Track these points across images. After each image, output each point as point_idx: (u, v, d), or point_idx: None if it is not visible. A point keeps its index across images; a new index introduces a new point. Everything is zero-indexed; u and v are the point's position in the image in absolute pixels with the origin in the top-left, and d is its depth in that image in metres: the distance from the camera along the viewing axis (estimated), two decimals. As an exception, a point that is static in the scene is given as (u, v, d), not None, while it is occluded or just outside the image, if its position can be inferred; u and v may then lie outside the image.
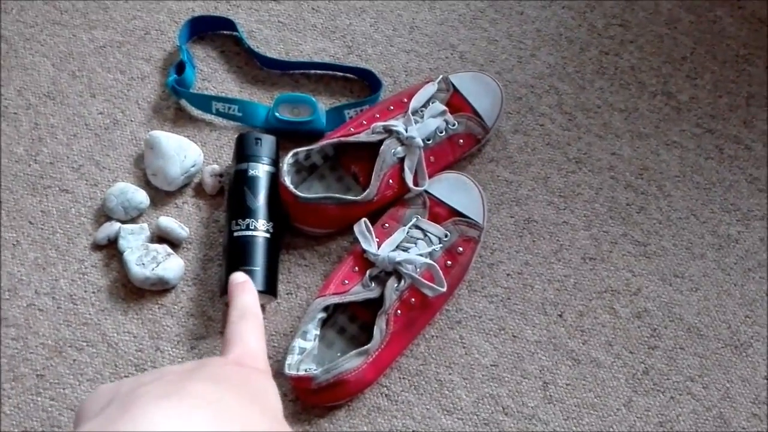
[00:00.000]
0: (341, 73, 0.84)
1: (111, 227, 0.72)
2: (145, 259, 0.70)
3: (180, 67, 0.80)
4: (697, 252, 0.78)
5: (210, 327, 0.71)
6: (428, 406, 0.69)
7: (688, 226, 0.79)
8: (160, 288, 0.71)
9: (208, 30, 0.85)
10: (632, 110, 0.84)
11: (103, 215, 0.74)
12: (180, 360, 0.69)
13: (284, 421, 0.34)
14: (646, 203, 0.80)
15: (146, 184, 0.76)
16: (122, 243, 0.71)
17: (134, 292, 0.71)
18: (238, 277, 0.45)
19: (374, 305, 0.68)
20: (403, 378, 0.70)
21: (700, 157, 0.82)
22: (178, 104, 0.80)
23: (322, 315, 0.68)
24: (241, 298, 0.42)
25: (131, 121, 0.79)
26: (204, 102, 0.79)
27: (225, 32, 0.85)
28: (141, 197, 0.74)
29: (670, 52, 0.88)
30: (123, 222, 0.73)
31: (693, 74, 0.87)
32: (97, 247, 0.73)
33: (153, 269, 0.69)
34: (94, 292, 0.71)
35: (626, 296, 0.75)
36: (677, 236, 0.78)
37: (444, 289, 0.68)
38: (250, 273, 0.67)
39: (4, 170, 0.76)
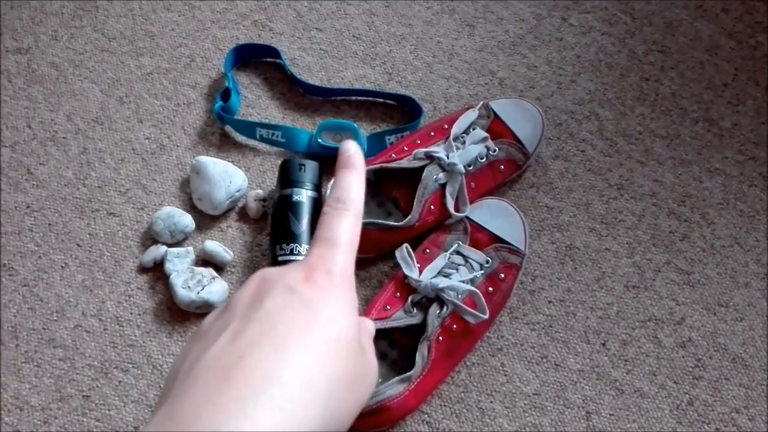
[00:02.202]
0: (382, 100, 0.85)
1: (157, 250, 0.74)
2: (191, 282, 0.71)
3: (225, 94, 0.81)
4: (741, 281, 0.77)
5: (253, 350, 0.71)
6: (470, 434, 0.69)
7: (732, 254, 0.78)
8: (205, 311, 0.72)
9: (252, 57, 0.86)
10: (674, 137, 0.84)
11: (150, 238, 0.76)
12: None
13: (357, 345, 0.31)
14: (690, 231, 0.79)
15: (191, 208, 0.77)
16: (168, 266, 0.73)
17: (179, 314, 0.72)
18: (349, 147, 0.38)
19: (415, 331, 0.68)
20: (444, 405, 0.70)
21: (744, 184, 0.81)
22: (223, 130, 0.82)
23: (364, 340, 0.68)
24: (343, 177, 0.36)
25: (177, 146, 0.81)
26: (248, 128, 0.80)
27: (268, 59, 0.87)
28: (187, 221, 0.75)
29: (712, 78, 0.87)
30: (169, 245, 0.75)
31: (735, 100, 0.86)
32: (143, 269, 0.74)
33: (198, 292, 0.70)
34: (139, 314, 0.72)
35: (670, 325, 0.74)
36: (721, 264, 0.77)
37: (486, 316, 0.68)
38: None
39: (53, 194, 0.78)
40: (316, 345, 0.29)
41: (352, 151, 0.37)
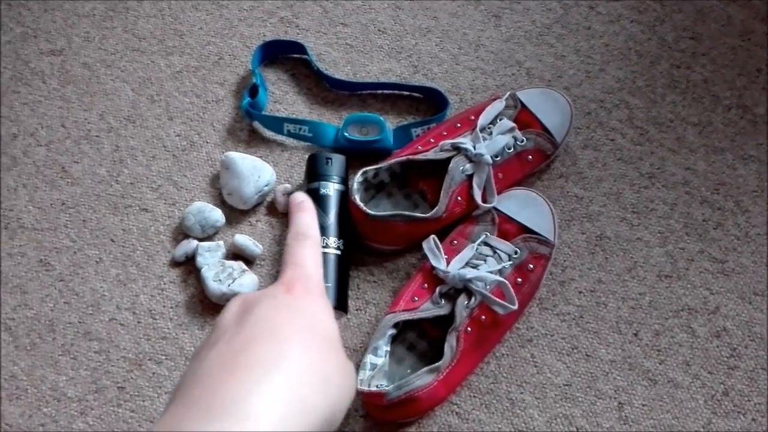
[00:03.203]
0: (408, 93, 0.85)
1: (189, 245, 0.75)
2: (222, 275, 0.72)
3: (253, 91, 0.82)
4: (778, 269, 0.75)
5: (283, 342, 0.72)
6: (500, 425, 0.68)
7: (767, 242, 0.76)
8: (235, 304, 0.73)
9: (279, 54, 0.87)
10: (706, 124, 0.82)
11: (181, 233, 0.77)
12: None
13: (339, 343, 0.34)
14: (723, 219, 0.77)
15: (221, 203, 0.78)
16: (199, 260, 0.74)
17: (210, 307, 0.73)
18: (298, 197, 0.44)
19: (443, 322, 0.68)
20: (474, 396, 0.70)
21: (780, 171, 0.80)
22: (252, 126, 0.83)
23: (392, 331, 0.68)
24: (298, 217, 0.41)
25: (207, 142, 0.82)
26: (276, 123, 0.81)
27: (295, 55, 0.87)
28: (217, 216, 0.76)
29: (744, 64, 0.86)
30: (200, 240, 0.76)
31: (770, 86, 0.84)
32: (175, 263, 0.76)
33: (229, 285, 0.71)
34: (172, 308, 0.74)
35: (704, 315, 0.73)
36: (756, 253, 0.76)
37: (515, 307, 0.67)
38: (322, 289, 0.69)
39: (87, 191, 0.80)
40: (309, 340, 0.32)
41: (302, 199, 0.43)
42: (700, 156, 0.81)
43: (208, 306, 0.73)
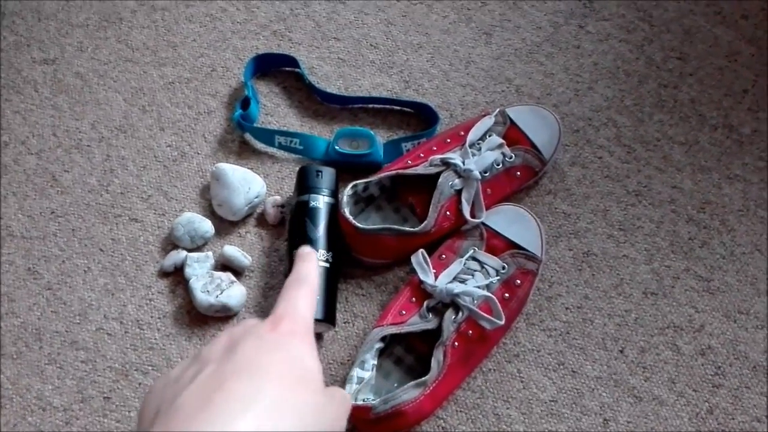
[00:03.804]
0: (399, 107, 0.86)
1: (178, 255, 0.75)
2: (210, 286, 0.72)
3: (245, 103, 0.83)
4: (762, 288, 0.76)
5: (270, 354, 0.72)
6: (485, 440, 0.68)
7: (753, 261, 0.77)
8: (223, 314, 0.73)
9: (271, 67, 0.88)
10: (693, 143, 0.83)
11: (170, 244, 0.77)
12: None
13: (322, 384, 0.35)
14: (709, 237, 0.78)
15: (211, 214, 0.79)
16: (188, 270, 0.74)
17: (198, 318, 0.73)
18: (304, 248, 0.45)
19: (431, 336, 0.68)
20: (460, 411, 0.70)
21: (764, 190, 0.81)
22: (243, 138, 0.83)
23: (379, 345, 0.69)
24: (301, 266, 0.42)
25: (198, 153, 0.83)
26: (267, 136, 0.81)
27: (287, 69, 0.88)
28: (207, 227, 0.76)
29: (731, 84, 0.87)
30: (189, 250, 0.76)
31: (755, 107, 0.86)
32: (163, 274, 0.76)
33: (217, 296, 0.71)
34: (160, 318, 0.74)
35: (689, 333, 0.73)
36: (741, 272, 0.76)
37: (502, 322, 0.68)
38: (310, 302, 0.69)
39: (77, 200, 0.80)
40: (287, 378, 0.33)
41: (308, 251, 0.45)
42: (687, 175, 0.82)
43: (195, 317, 0.73)
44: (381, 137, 0.83)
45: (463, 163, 0.74)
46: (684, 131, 0.84)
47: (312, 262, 0.43)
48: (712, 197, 0.80)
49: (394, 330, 0.68)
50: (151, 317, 0.74)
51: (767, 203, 0.80)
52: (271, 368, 0.33)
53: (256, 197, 0.78)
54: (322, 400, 0.34)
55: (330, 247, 0.72)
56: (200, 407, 0.30)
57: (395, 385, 0.69)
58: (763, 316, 0.74)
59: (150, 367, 0.71)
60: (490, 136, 0.77)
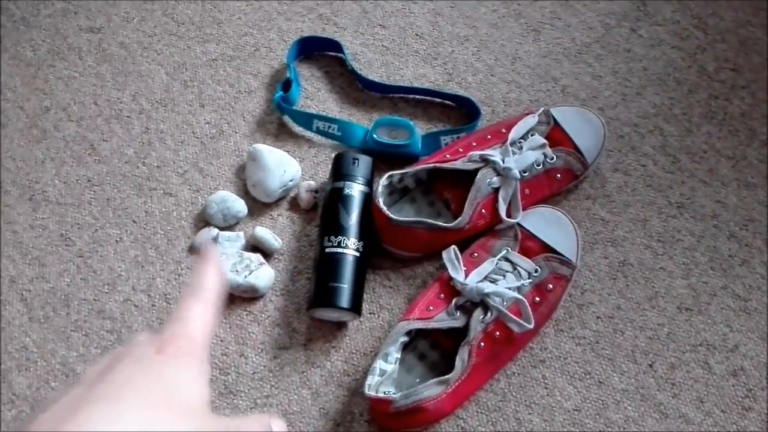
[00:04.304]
0: (440, 100, 0.85)
1: (209, 233, 0.75)
2: (239, 266, 0.72)
3: (286, 85, 0.82)
4: (803, 313, 0.73)
5: (294, 338, 0.72)
6: (504, 444, 0.67)
7: (795, 284, 0.75)
8: (251, 295, 0.72)
9: (315, 50, 0.87)
10: (740, 158, 0.81)
11: (202, 220, 0.77)
12: (262, 368, 0.70)
13: (202, 411, 0.32)
14: (750, 256, 0.76)
15: (245, 194, 0.78)
16: (218, 249, 0.74)
17: (225, 297, 0.73)
18: (205, 247, 0.41)
19: (456, 334, 0.67)
20: (481, 413, 0.69)
21: (813, 212, 0.78)
22: (281, 120, 0.83)
23: (404, 339, 0.68)
24: (198, 268, 0.38)
25: (236, 132, 0.82)
26: (306, 119, 0.81)
27: (331, 53, 0.87)
28: (240, 206, 0.76)
29: (786, 100, 0.84)
30: (220, 229, 0.76)
31: (809, 125, 0.83)
32: (194, 250, 0.76)
33: (246, 277, 0.71)
34: (187, 294, 0.73)
35: (722, 352, 0.71)
36: (782, 294, 0.74)
37: (531, 326, 0.66)
38: (338, 290, 0.68)
39: (114, 170, 0.80)
40: (156, 405, 0.30)
41: (206, 248, 0.39)
42: (732, 190, 0.79)
43: (222, 295, 0.73)
44: (420, 129, 0.82)
45: (503, 161, 0.72)
46: (732, 145, 0.82)
47: (210, 266, 0.38)
48: (756, 215, 0.78)
49: (420, 325, 0.67)
50: (179, 292, 0.74)
51: (814, 225, 0.77)
52: (139, 394, 0.31)
53: (291, 180, 0.77)
54: (198, 427, 0.31)
55: (361, 236, 0.72)
56: (55, 428, 0.29)
57: (417, 380, 0.68)
58: (801, 342, 0.72)
59: (174, 342, 0.71)
60: (532, 135, 0.76)
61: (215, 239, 0.75)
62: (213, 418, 0.32)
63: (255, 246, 0.75)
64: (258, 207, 0.78)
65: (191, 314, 0.36)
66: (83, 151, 0.82)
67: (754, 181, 0.80)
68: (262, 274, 0.72)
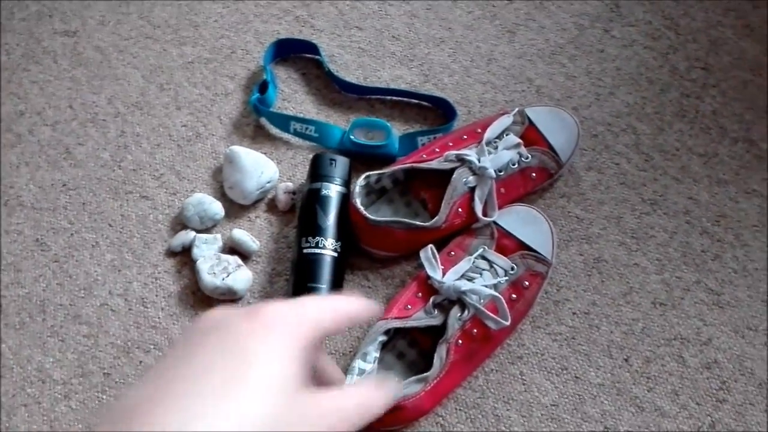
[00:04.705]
0: (416, 101, 0.85)
1: (186, 235, 0.75)
2: (217, 268, 0.72)
3: (263, 87, 0.82)
4: (774, 306, 0.75)
5: (272, 340, 0.72)
6: (483, 441, 0.68)
7: (765, 277, 0.76)
8: (228, 298, 0.72)
9: (291, 52, 0.87)
10: (712, 155, 0.82)
11: (179, 223, 0.77)
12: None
13: (287, 392, 0.30)
14: (722, 251, 0.77)
15: (222, 197, 0.78)
16: (196, 251, 0.74)
17: (203, 300, 0.73)
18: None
19: (435, 333, 0.68)
20: (460, 410, 0.69)
21: (782, 207, 0.80)
22: (258, 122, 0.83)
23: (383, 338, 0.68)
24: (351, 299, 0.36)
25: (212, 134, 0.82)
26: (283, 121, 0.81)
27: (307, 55, 0.88)
28: (217, 208, 0.76)
29: (754, 98, 0.86)
30: (198, 231, 0.76)
31: (778, 122, 0.84)
32: (171, 253, 0.76)
33: (223, 279, 0.71)
34: (164, 297, 0.73)
35: (696, 345, 0.72)
36: (752, 287, 0.75)
37: (507, 323, 0.67)
38: (315, 290, 0.68)
39: (90, 174, 0.80)
40: (231, 384, 0.29)
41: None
42: (704, 186, 0.81)
43: (200, 298, 0.73)
44: (397, 130, 0.83)
45: (479, 160, 0.73)
46: (704, 143, 0.83)
47: (360, 303, 0.36)
48: (727, 211, 0.79)
49: (398, 324, 0.68)
50: (156, 296, 0.73)
51: (784, 220, 0.79)
52: (216, 372, 0.29)
53: (268, 182, 0.77)
54: (282, 410, 0.29)
55: (339, 236, 0.72)
56: (137, 407, 0.28)
57: (396, 379, 0.69)
58: (772, 334, 0.73)
59: (152, 346, 0.71)
60: (507, 135, 0.77)
61: (192, 242, 0.74)
62: (304, 397, 0.30)
63: (232, 248, 0.75)
64: (235, 209, 0.78)
65: (306, 301, 0.33)
66: (58, 155, 0.81)
67: (725, 177, 0.81)
68: (240, 276, 0.72)
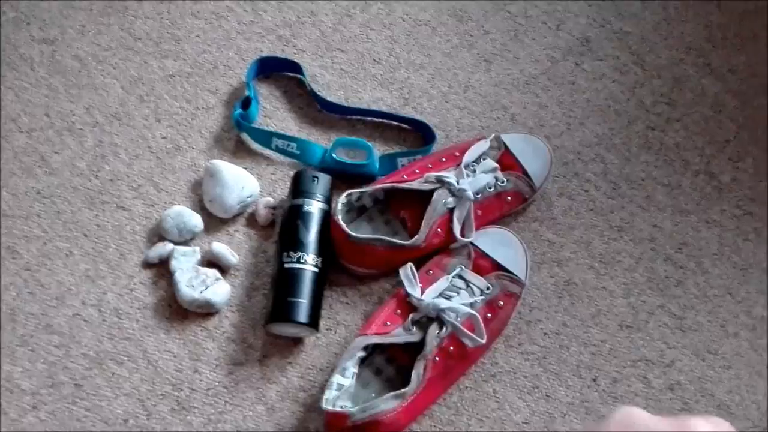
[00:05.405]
0: (396, 123, 0.87)
1: (164, 247, 0.74)
2: (195, 281, 0.72)
3: (245, 102, 0.83)
4: (731, 330, 0.78)
5: (249, 354, 0.72)
6: (457, 457, 0.69)
7: (724, 304, 0.80)
8: (206, 311, 0.72)
9: (274, 70, 0.88)
10: (675, 186, 0.86)
11: (157, 235, 0.77)
12: (216, 384, 0.70)
13: None
14: (684, 277, 0.81)
15: (201, 210, 0.78)
16: (174, 263, 0.73)
17: (179, 312, 0.73)
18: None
19: (412, 349, 0.69)
20: (435, 426, 0.70)
21: (739, 237, 0.84)
22: (239, 137, 0.83)
23: (361, 353, 0.69)
24: None
25: (193, 148, 0.82)
26: (265, 137, 0.82)
27: (290, 74, 0.89)
28: (196, 221, 0.76)
29: (714, 133, 0.90)
30: (175, 243, 0.75)
31: (735, 157, 0.89)
32: (147, 265, 0.75)
33: (201, 292, 0.71)
34: (139, 309, 0.73)
35: (660, 367, 0.75)
36: (713, 313, 0.79)
37: (484, 341, 0.69)
38: (296, 304, 0.69)
39: (65, 182, 0.79)
40: None
41: None
42: (667, 215, 0.84)
43: (176, 311, 0.73)
44: (377, 150, 0.84)
45: (458, 182, 0.75)
46: (667, 173, 0.87)
47: None
48: (689, 239, 0.83)
49: (377, 340, 0.69)
50: (131, 307, 0.73)
51: (741, 250, 0.83)
52: None
53: (249, 197, 0.78)
54: None
55: (320, 252, 0.73)
56: None
57: (373, 395, 0.69)
58: (730, 357, 0.77)
59: (125, 358, 0.70)
60: (484, 159, 0.79)
61: (170, 254, 0.74)
62: None
63: (211, 261, 0.75)
64: (214, 223, 0.78)
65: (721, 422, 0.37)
66: (33, 162, 0.80)
67: (687, 207, 0.85)
68: (219, 290, 0.72)
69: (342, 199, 0.74)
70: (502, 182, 0.78)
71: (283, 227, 0.74)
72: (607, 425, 0.35)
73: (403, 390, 0.66)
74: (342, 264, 0.76)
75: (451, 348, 0.69)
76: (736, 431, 0.41)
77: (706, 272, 0.81)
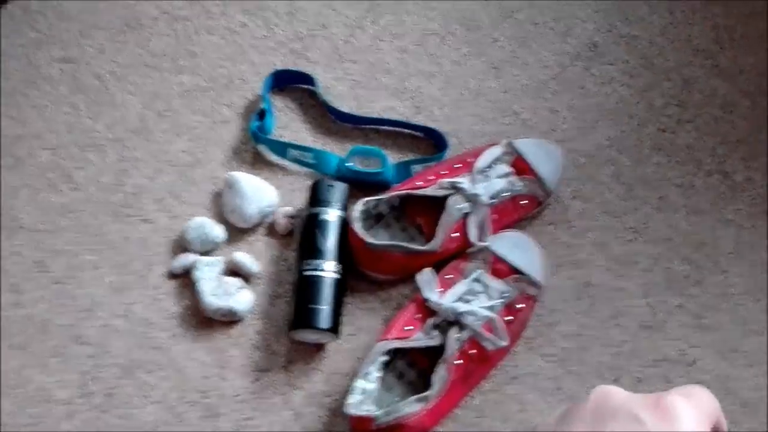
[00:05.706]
0: (409, 131, 0.88)
1: (187, 258, 0.76)
2: (219, 290, 0.73)
3: (261, 115, 0.85)
4: (752, 328, 0.79)
5: (274, 360, 0.73)
6: (481, 459, 0.70)
7: (744, 302, 0.80)
8: (230, 319, 0.73)
9: (288, 83, 0.90)
10: (689, 186, 0.87)
11: (180, 246, 0.78)
12: (243, 390, 0.71)
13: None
14: (702, 277, 0.81)
15: (221, 220, 0.80)
16: (197, 274, 0.75)
17: (204, 321, 0.74)
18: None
19: (432, 353, 0.70)
20: (459, 429, 0.71)
21: (755, 235, 0.84)
22: (256, 149, 0.85)
23: (384, 358, 0.70)
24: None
25: (212, 161, 0.84)
26: (281, 148, 0.83)
27: (304, 86, 0.90)
28: (218, 232, 0.77)
29: (726, 134, 0.91)
30: (198, 254, 0.77)
31: (747, 156, 0.90)
32: (172, 275, 0.77)
33: (226, 301, 0.72)
34: (166, 318, 0.74)
35: (682, 366, 0.76)
36: (733, 311, 0.80)
37: (505, 343, 0.70)
38: (317, 311, 0.70)
39: (90, 197, 0.81)
40: None
41: None
42: (682, 216, 0.85)
43: (201, 320, 0.74)
44: (391, 158, 0.86)
45: (472, 188, 0.76)
46: (680, 174, 0.88)
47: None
48: (705, 239, 0.84)
49: (398, 344, 0.70)
50: (158, 317, 0.74)
51: (757, 249, 0.83)
52: None
53: (268, 207, 0.79)
54: None
55: (339, 259, 0.74)
56: None
57: (396, 399, 0.70)
58: (752, 355, 0.77)
59: (155, 367, 0.72)
60: (498, 164, 0.80)
61: (193, 264, 0.76)
62: None
63: (233, 270, 0.76)
64: (235, 233, 0.79)
65: (700, 393, 0.36)
66: (58, 178, 0.82)
67: (702, 207, 0.86)
68: (242, 298, 0.73)
69: (359, 206, 0.76)
70: (517, 187, 0.79)
71: (302, 235, 0.76)
72: (585, 404, 0.36)
73: (426, 393, 0.67)
74: (361, 271, 0.77)
75: (472, 351, 0.70)
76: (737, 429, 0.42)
77: (725, 271, 0.82)
